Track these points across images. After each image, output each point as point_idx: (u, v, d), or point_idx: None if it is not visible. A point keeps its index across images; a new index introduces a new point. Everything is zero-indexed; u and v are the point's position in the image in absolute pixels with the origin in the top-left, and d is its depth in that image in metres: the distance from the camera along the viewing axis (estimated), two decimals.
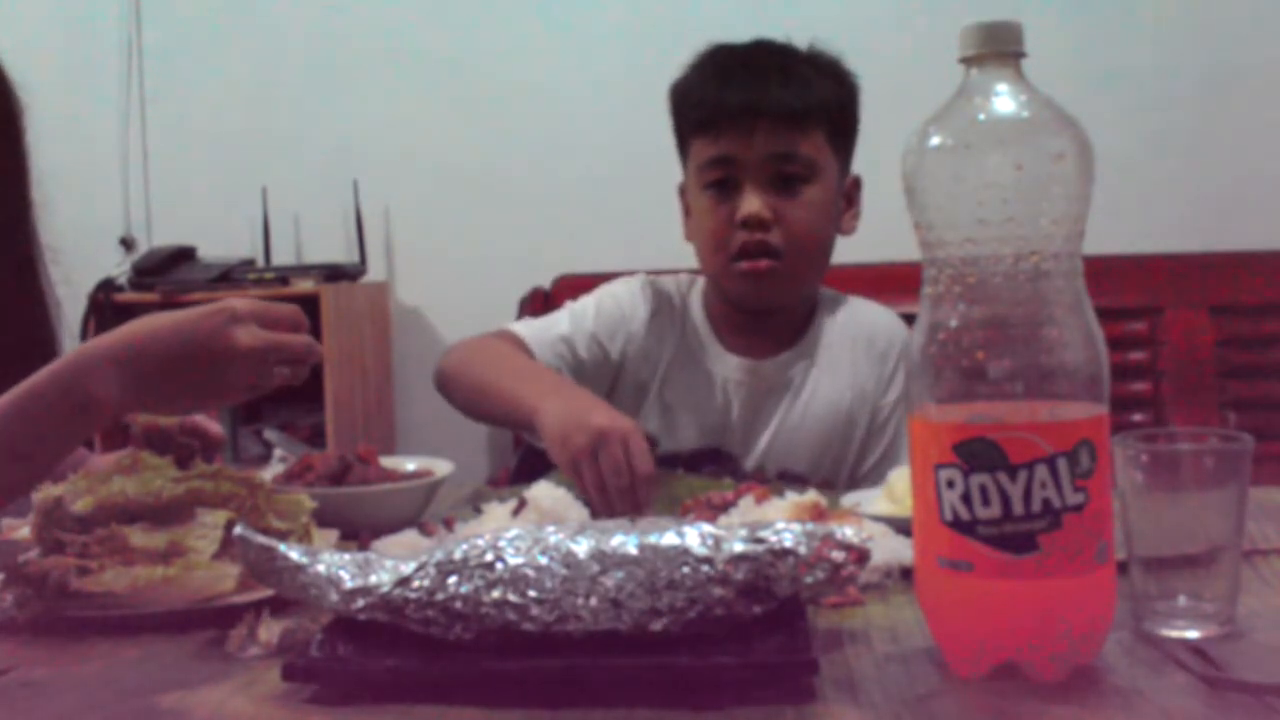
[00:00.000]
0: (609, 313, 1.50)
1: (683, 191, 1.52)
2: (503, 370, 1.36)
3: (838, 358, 1.49)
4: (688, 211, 1.51)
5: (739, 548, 0.76)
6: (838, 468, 1.48)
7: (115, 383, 0.93)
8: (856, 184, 1.50)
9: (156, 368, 0.94)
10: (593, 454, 1.12)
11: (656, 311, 1.51)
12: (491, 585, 0.75)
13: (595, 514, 1.10)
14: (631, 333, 1.50)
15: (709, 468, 1.44)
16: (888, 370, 1.49)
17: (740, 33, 1.50)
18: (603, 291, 1.54)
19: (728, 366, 1.49)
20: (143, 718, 0.71)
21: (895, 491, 1.07)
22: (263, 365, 0.97)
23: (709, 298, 1.53)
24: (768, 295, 1.43)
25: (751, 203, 1.38)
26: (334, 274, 2.74)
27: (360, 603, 0.76)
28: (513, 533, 0.79)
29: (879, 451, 1.48)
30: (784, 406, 1.48)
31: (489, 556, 0.76)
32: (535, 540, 0.77)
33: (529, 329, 1.48)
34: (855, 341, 1.50)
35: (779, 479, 1.41)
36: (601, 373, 1.48)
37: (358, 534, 1.07)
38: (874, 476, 1.45)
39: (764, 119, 1.38)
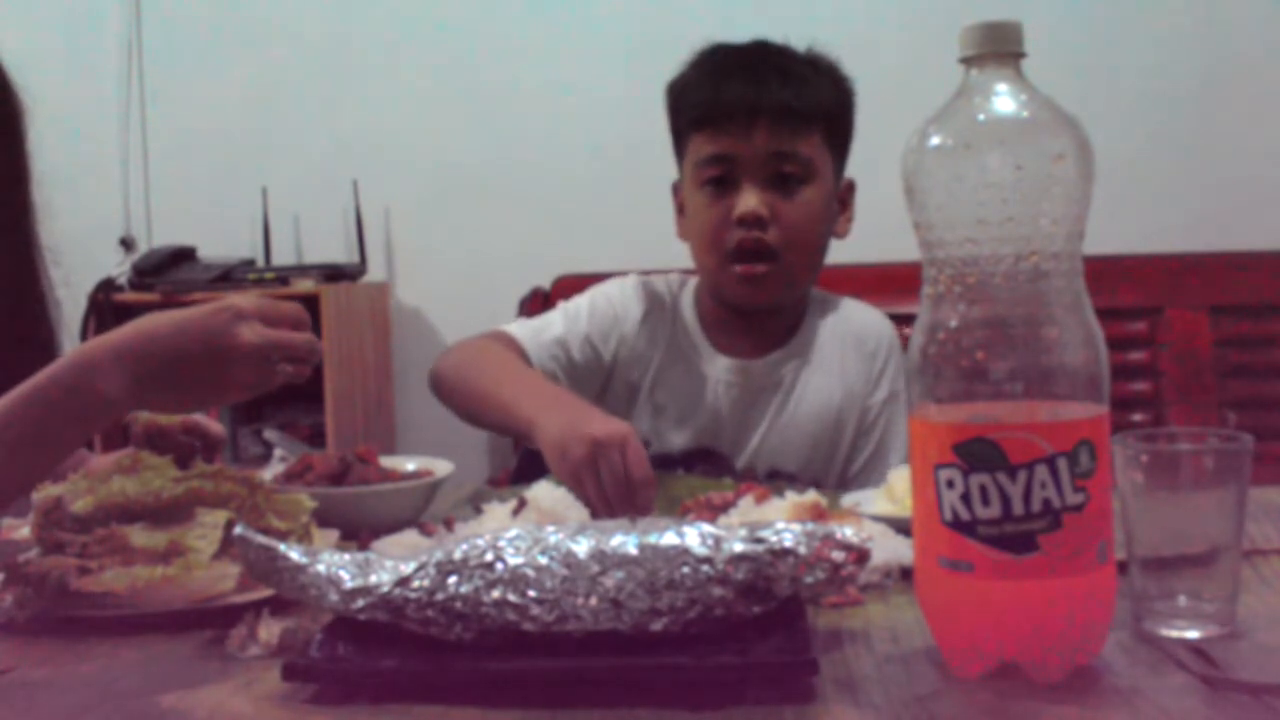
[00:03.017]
0: (602, 314, 1.50)
1: (676, 190, 1.52)
2: (499, 378, 1.36)
3: (827, 357, 1.50)
4: (681, 210, 1.51)
5: (739, 548, 0.76)
6: (827, 467, 1.48)
7: (119, 381, 0.93)
8: (851, 188, 1.51)
9: (161, 366, 0.94)
10: (592, 464, 1.11)
11: (649, 312, 1.51)
12: (491, 585, 0.75)
13: (595, 515, 1.10)
14: (624, 334, 1.50)
15: (700, 467, 1.44)
16: (876, 370, 1.50)
17: (739, 33, 1.50)
18: (595, 292, 1.54)
19: (718, 367, 1.49)
20: (143, 718, 0.71)
21: (895, 491, 1.07)
22: (266, 363, 0.97)
23: (700, 297, 1.53)
24: (764, 297, 1.44)
25: (749, 200, 1.38)
26: (334, 274, 2.74)
27: (360, 603, 0.76)
28: (513, 533, 0.79)
29: (868, 451, 1.48)
30: (774, 406, 1.48)
31: (489, 556, 0.76)
32: (535, 540, 0.77)
33: (524, 330, 1.48)
34: (844, 341, 1.51)
35: (769, 478, 1.41)
36: (594, 374, 1.48)
37: (358, 534, 1.07)
38: (864, 476, 1.46)
39: (763, 117, 1.38)
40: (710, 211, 1.42)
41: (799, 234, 1.40)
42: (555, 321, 1.50)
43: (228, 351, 0.95)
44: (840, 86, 1.46)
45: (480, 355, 1.43)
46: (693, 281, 1.55)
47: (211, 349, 0.95)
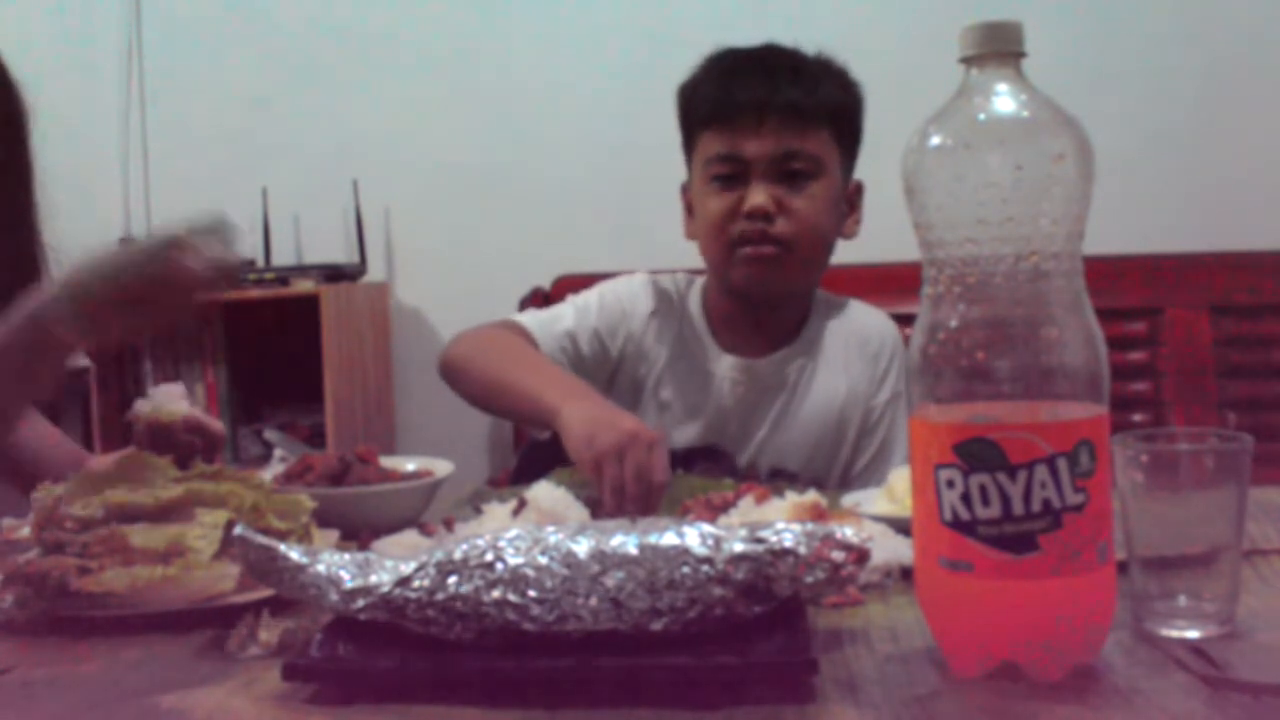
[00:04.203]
0: (611, 309, 1.51)
1: (685, 190, 1.53)
2: (519, 366, 1.37)
3: (832, 357, 1.50)
4: (689, 210, 1.52)
5: (739, 548, 0.76)
6: (830, 466, 1.49)
7: (69, 317, 0.98)
8: (859, 190, 1.52)
9: (102, 289, 0.99)
10: (618, 455, 1.12)
11: (656, 310, 1.52)
12: (491, 585, 0.75)
13: (596, 514, 1.10)
14: (632, 330, 1.51)
15: (702, 465, 1.45)
16: (880, 370, 1.51)
17: (741, 33, 1.51)
18: (605, 288, 1.55)
19: (724, 365, 1.49)
20: (143, 718, 0.71)
21: (895, 491, 1.07)
22: (201, 286, 1.00)
23: (708, 296, 1.54)
24: (769, 282, 1.44)
25: (757, 195, 1.39)
26: (334, 274, 2.73)
27: (360, 603, 0.76)
28: (513, 533, 0.79)
29: (871, 451, 1.49)
30: (779, 405, 1.49)
31: (489, 556, 0.76)
32: (535, 540, 0.77)
33: (534, 321, 1.49)
34: (849, 342, 1.52)
35: (770, 477, 1.41)
36: (601, 369, 1.49)
37: (358, 534, 1.07)
38: (866, 476, 1.46)
39: (772, 115, 1.40)
40: (718, 205, 1.43)
41: (805, 227, 1.41)
42: (565, 314, 1.51)
43: (167, 273, 0.99)
44: (849, 89, 1.47)
45: (496, 342, 1.44)
46: (699, 281, 1.56)
47: (150, 271, 0.99)
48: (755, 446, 1.48)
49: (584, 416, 1.18)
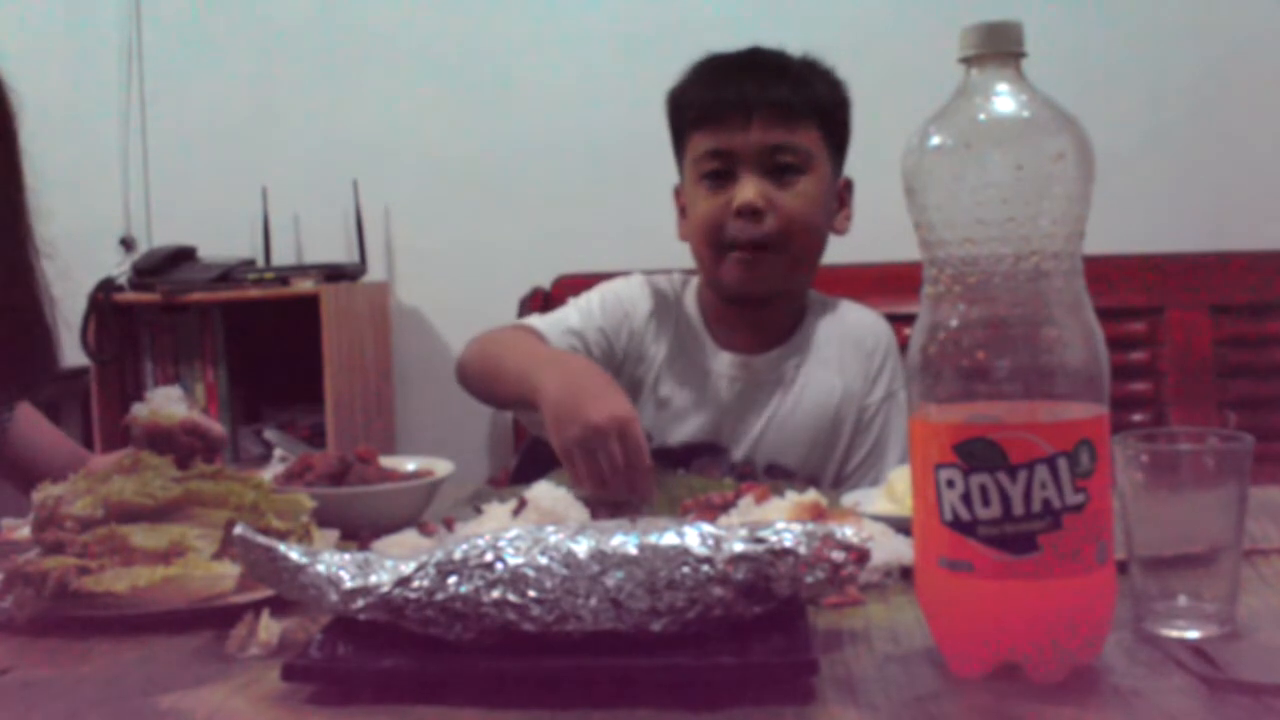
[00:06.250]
0: (613, 309, 1.53)
1: (677, 193, 1.54)
2: (516, 352, 1.39)
3: (827, 355, 1.52)
4: (683, 212, 1.53)
5: (739, 548, 0.76)
6: (825, 463, 1.50)
7: None
8: (848, 186, 1.53)
9: None
10: (585, 446, 1.13)
11: (655, 309, 1.54)
12: (491, 585, 0.75)
13: (595, 515, 1.10)
14: (634, 329, 1.52)
15: (700, 460, 1.45)
16: (873, 369, 1.52)
17: (739, 33, 1.51)
18: (604, 289, 1.57)
19: (722, 362, 1.51)
20: (143, 718, 0.71)
21: (895, 491, 1.07)
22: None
23: (703, 294, 1.55)
24: (761, 281, 1.44)
25: (747, 190, 1.40)
26: (334, 274, 2.73)
27: (360, 603, 0.76)
28: (513, 533, 0.79)
29: (865, 449, 1.50)
30: (775, 401, 1.50)
31: (489, 556, 0.76)
32: (535, 540, 0.77)
33: (543, 321, 1.52)
34: (843, 340, 1.53)
35: (766, 473, 1.43)
36: (606, 368, 1.49)
37: (358, 534, 1.07)
38: (860, 475, 1.47)
39: (760, 112, 1.41)
40: (709, 203, 1.44)
41: (797, 223, 1.42)
42: (570, 314, 1.54)
43: None
44: (836, 87, 1.48)
45: (499, 339, 1.47)
46: (695, 280, 1.57)
47: None
48: (752, 443, 1.49)
49: (555, 399, 1.19)
